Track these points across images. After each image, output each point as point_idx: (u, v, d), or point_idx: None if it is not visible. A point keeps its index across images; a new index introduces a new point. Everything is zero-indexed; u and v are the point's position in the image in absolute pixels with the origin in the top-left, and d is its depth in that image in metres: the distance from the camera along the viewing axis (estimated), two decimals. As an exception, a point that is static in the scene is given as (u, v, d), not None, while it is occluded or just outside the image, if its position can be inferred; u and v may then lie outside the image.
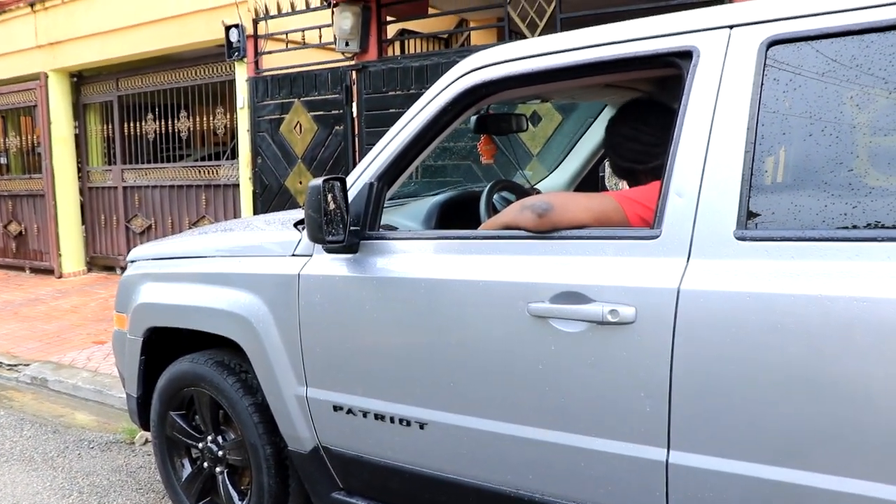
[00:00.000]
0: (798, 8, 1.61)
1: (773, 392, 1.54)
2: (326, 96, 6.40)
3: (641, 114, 2.25)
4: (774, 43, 1.63)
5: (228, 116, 7.84)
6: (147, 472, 3.61)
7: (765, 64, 1.63)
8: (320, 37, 6.61)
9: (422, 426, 2.09)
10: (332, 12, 6.17)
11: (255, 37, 6.98)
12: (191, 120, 8.28)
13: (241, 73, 7.07)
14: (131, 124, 8.89)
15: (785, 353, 1.52)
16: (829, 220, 1.54)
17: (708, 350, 1.61)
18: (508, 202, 2.83)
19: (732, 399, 1.59)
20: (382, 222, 2.27)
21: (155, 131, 8.63)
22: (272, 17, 6.85)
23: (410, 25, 7.54)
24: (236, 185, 7.65)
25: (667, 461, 1.68)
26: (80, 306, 7.59)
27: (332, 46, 6.34)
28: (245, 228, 2.85)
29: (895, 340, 1.41)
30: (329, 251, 2.22)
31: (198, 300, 2.61)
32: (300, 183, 6.60)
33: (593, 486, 1.82)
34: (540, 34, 5.27)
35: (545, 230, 1.88)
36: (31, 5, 8.98)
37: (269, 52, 7.00)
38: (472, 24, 7.89)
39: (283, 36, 6.86)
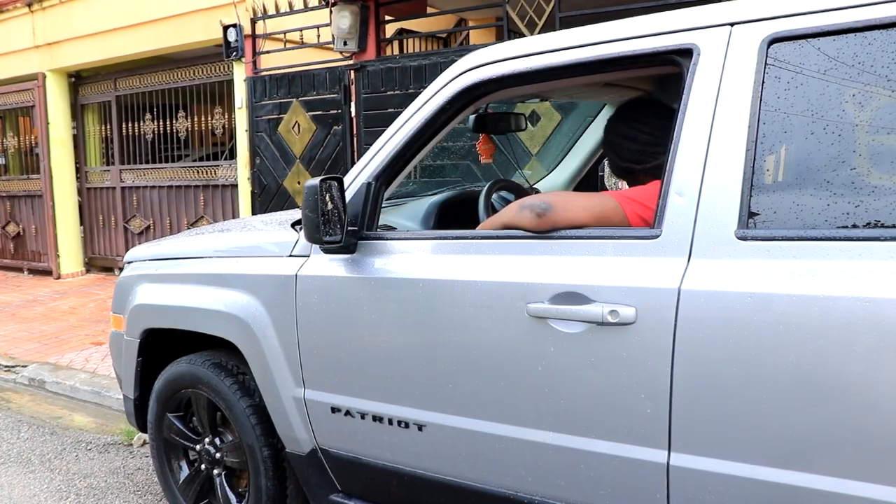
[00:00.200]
0: (800, 5, 1.59)
1: (775, 393, 1.52)
2: (325, 96, 6.38)
3: (641, 113, 2.23)
4: (776, 40, 1.61)
5: (227, 116, 7.83)
6: (145, 474, 3.59)
7: (766, 62, 1.62)
8: (318, 36, 6.59)
9: (420, 428, 2.07)
10: (331, 11, 6.15)
11: (254, 36, 6.96)
12: (189, 120, 8.26)
13: (240, 73, 7.06)
14: (129, 125, 8.87)
15: (787, 354, 1.51)
16: (831, 220, 1.52)
17: (709, 351, 1.59)
18: (507, 202, 2.81)
19: (734, 400, 1.57)
20: (380, 222, 2.26)
21: (153, 131, 8.62)
22: (270, 17, 6.83)
23: (409, 25, 7.52)
24: (235, 186, 7.63)
25: (668, 463, 1.67)
26: (79, 307, 7.57)
27: (331, 46, 6.33)
28: (242, 229, 2.83)
29: (899, 341, 1.40)
30: (326, 252, 2.21)
31: (194, 301, 2.60)
32: (298, 183, 6.59)
33: (593, 488, 1.80)
34: (539, 33, 5.25)
35: (544, 230, 1.86)
36: (29, 5, 8.96)
37: (268, 52, 6.98)
38: (470, 24, 7.87)
39: (282, 35, 6.84)
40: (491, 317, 1.90)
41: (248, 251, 2.53)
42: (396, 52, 7.62)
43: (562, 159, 3.42)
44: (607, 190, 3.39)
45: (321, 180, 2.03)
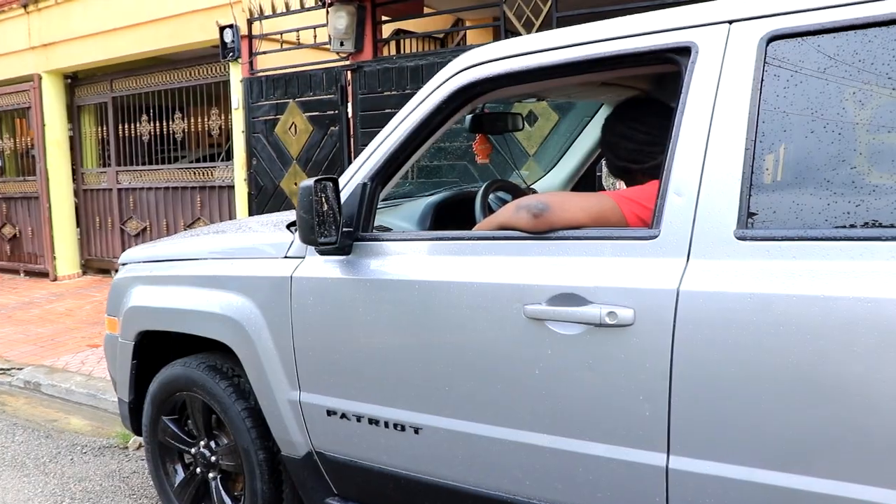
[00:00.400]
0: (799, 2, 1.57)
1: (774, 395, 1.51)
2: (321, 97, 6.36)
3: (638, 112, 2.21)
4: (775, 38, 1.59)
5: (223, 117, 7.80)
6: (140, 478, 3.57)
7: (765, 60, 1.60)
8: (315, 37, 6.57)
9: (416, 431, 2.05)
10: (327, 12, 6.14)
11: (250, 37, 6.94)
12: (185, 121, 8.24)
13: (236, 74, 7.03)
14: (126, 126, 8.84)
15: (787, 355, 1.49)
16: (831, 219, 1.50)
17: (708, 352, 1.57)
18: (504, 202, 2.79)
19: (733, 402, 1.55)
20: (376, 223, 2.24)
21: (150, 133, 8.59)
22: (266, 18, 6.81)
23: (405, 25, 7.51)
24: (231, 187, 7.61)
25: (667, 466, 1.65)
26: (75, 309, 7.54)
27: (327, 46, 6.31)
28: (237, 230, 2.81)
29: (900, 342, 1.38)
30: (322, 253, 2.19)
31: (189, 303, 2.58)
32: (295, 184, 6.56)
33: (591, 491, 1.78)
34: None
35: (541, 231, 1.84)
36: (25, 6, 8.94)
37: (264, 53, 6.96)
38: (467, 24, 7.85)
39: (278, 36, 6.82)
40: (488, 318, 1.88)
41: (243, 253, 2.50)
42: (393, 52, 7.60)
43: (559, 159, 3.40)
44: (605, 190, 3.37)
45: (316, 181, 2.01)
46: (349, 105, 6.17)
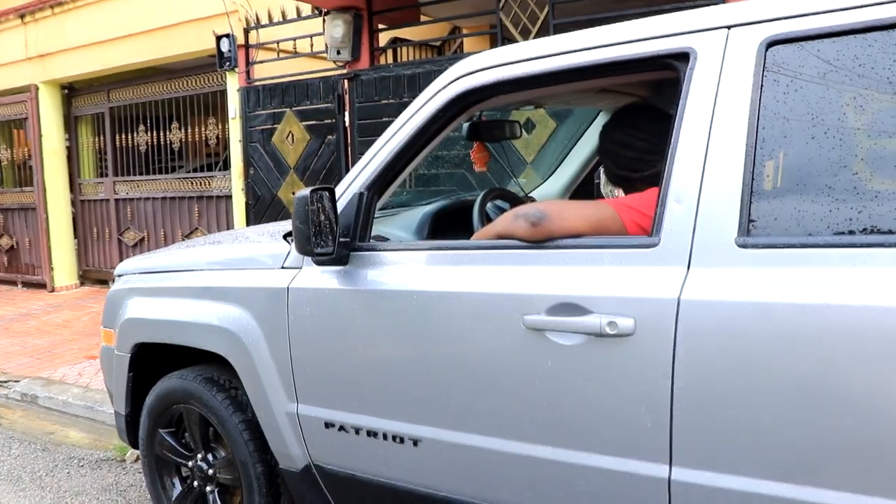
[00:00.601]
0: (798, 7, 1.56)
1: (778, 405, 1.48)
2: (318, 105, 6.35)
3: (637, 119, 2.19)
4: (774, 43, 1.58)
5: (220, 127, 7.79)
6: (137, 491, 3.53)
7: (764, 65, 1.58)
8: (311, 45, 6.56)
9: (415, 443, 2.02)
10: (324, 21, 6.13)
11: (247, 46, 6.93)
12: (183, 131, 8.23)
13: (233, 84, 7.03)
14: (123, 136, 8.83)
15: (790, 364, 1.47)
16: (833, 226, 1.48)
17: (710, 362, 1.55)
18: (502, 211, 2.77)
19: (736, 413, 1.53)
20: (373, 233, 2.22)
21: (147, 143, 8.58)
22: (263, 27, 6.80)
23: (402, 33, 7.50)
24: (229, 197, 7.59)
25: (669, 478, 1.63)
26: (72, 321, 7.51)
27: (324, 55, 6.30)
28: (233, 241, 2.79)
29: (906, 350, 1.36)
30: (318, 263, 2.17)
31: (185, 315, 2.55)
32: (293, 193, 6.54)
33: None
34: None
35: (540, 239, 1.82)
36: (22, 17, 8.94)
37: (261, 62, 6.95)
38: (464, 31, 7.85)
39: (275, 45, 6.81)
40: (486, 329, 1.86)
41: (240, 263, 2.48)
42: (390, 60, 7.60)
43: (557, 167, 3.38)
44: (604, 197, 3.35)
45: (312, 191, 1.99)
46: (346, 114, 6.16)
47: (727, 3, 1.69)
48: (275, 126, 6.65)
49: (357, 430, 2.14)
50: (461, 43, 8.24)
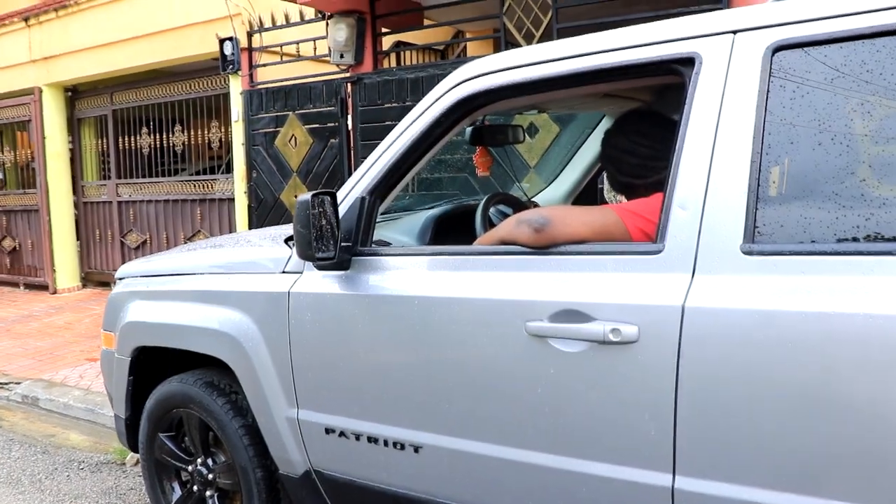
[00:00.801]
0: (805, 12, 1.54)
1: (783, 414, 1.47)
2: (321, 109, 6.34)
3: (640, 125, 2.17)
4: (780, 48, 1.56)
5: (223, 130, 7.79)
6: (137, 495, 3.52)
7: (770, 70, 1.57)
8: (315, 49, 6.56)
9: (416, 449, 2.01)
10: (327, 24, 6.13)
11: (250, 49, 6.93)
12: (186, 134, 8.23)
13: (236, 87, 7.02)
14: (126, 138, 8.84)
15: (795, 373, 1.45)
16: (840, 234, 1.47)
17: (714, 370, 1.54)
18: (505, 216, 2.76)
19: (741, 421, 1.51)
20: (375, 238, 2.20)
21: (150, 145, 8.58)
22: (266, 30, 6.80)
23: (406, 37, 7.50)
24: (231, 200, 7.58)
25: (672, 487, 1.61)
26: (74, 323, 7.50)
27: (327, 59, 6.30)
28: (235, 244, 2.78)
29: (913, 360, 1.34)
30: (320, 268, 2.15)
31: (186, 318, 2.54)
32: (295, 197, 6.49)
33: (596, 512, 1.74)
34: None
35: (543, 245, 1.81)
36: (26, 20, 8.95)
37: (264, 65, 6.95)
38: (468, 36, 7.84)
39: (278, 48, 6.81)
40: (489, 335, 1.84)
41: (241, 267, 2.47)
42: (393, 64, 7.59)
43: (560, 172, 3.37)
44: (607, 203, 3.33)
45: (313, 195, 1.97)
46: (349, 117, 6.15)
47: (733, 8, 1.67)
48: (277, 129, 6.65)
49: (358, 436, 2.13)
50: (464, 47, 8.23)
